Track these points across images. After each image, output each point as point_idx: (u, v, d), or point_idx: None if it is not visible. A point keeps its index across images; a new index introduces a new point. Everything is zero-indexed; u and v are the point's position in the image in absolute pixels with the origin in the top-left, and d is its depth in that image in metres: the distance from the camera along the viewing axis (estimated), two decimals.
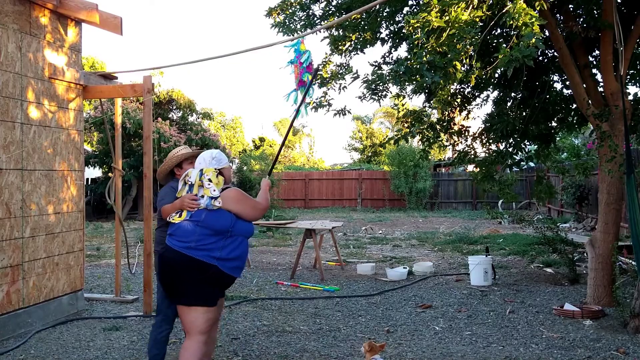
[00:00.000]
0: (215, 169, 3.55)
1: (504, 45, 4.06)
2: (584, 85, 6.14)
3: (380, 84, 5.26)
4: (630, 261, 7.26)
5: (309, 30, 6.29)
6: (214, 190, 3.46)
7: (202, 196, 3.45)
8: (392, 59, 7.03)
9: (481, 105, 7.91)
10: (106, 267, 9.11)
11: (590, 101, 6.06)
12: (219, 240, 3.43)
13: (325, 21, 6.37)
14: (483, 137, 7.71)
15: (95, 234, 14.14)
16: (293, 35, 6.32)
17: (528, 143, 7.85)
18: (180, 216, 3.49)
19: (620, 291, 5.75)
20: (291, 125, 3.91)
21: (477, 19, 4.16)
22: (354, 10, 6.05)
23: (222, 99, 64.82)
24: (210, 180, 3.48)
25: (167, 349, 4.14)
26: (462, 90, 7.62)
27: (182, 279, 3.44)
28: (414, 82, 4.50)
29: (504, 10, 4.08)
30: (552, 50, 6.87)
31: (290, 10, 6.38)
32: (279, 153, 4.03)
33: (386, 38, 6.89)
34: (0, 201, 5.03)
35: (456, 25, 4.03)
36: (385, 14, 6.26)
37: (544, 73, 7.18)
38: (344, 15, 5.62)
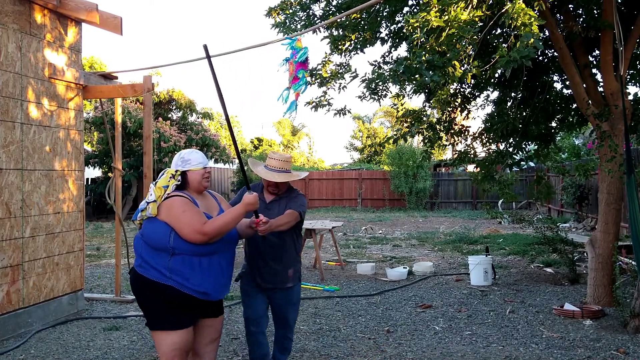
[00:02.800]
0: (176, 171, 3.02)
1: (504, 45, 4.06)
2: (584, 85, 6.14)
3: (380, 84, 5.26)
4: (630, 261, 7.25)
5: (307, 29, 6.28)
6: (151, 195, 2.97)
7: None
8: (391, 59, 7.03)
9: (483, 107, 7.91)
10: (106, 267, 9.12)
11: (590, 101, 6.06)
12: (163, 257, 2.89)
13: (326, 21, 6.36)
14: (483, 137, 7.71)
15: (95, 234, 14.14)
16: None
17: (528, 143, 7.85)
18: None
19: (620, 291, 5.75)
20: (227, 118, 3.14)
21: (477, 19, 4.16)
22: (354, 10, 6.05)
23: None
24: (155, 183, 3.02)
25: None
26: (462, 90, 7.62)
27: (139, 301, 3.05)
28: (414, 82, 4.50)
29: (502, 10, 4.08)
30: (552, 50, 6.87)
31: (290, 11, 6.37)
32: (239, 157, 3.28)
33: (386, 38, 6.89)
34: (0, 201, 5.03)
35: (455, 24, 4.03)
36: (385, 13, 6.26)
37: (544, 73, 7.18)
38: (343, 13, 5.61)
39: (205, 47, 2.86)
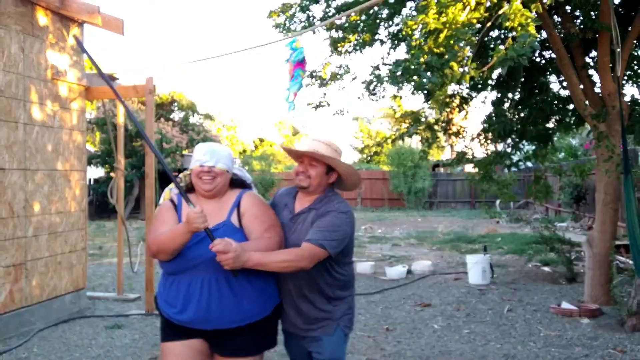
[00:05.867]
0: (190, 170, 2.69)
1: (501, 47, 4.10)
2: (582, 86, 6.19)
3: (378, 85, 5.31)
4: (627, 260, 7.30)
5: (306, 29, 6.32)
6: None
7: None
8: (390, 61, 7.07)
9: (480, 107, 7.95)
10: (108, 265, 9.16)
11: (587, 102, 6.11)
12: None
13: (325, 21, 6.41)
14: (481, 137, 7.75)
15: (98, 233, 14.18)
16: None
17: (526, 143, 7.90)
18: None
19: (617, 290, 5.79)
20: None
21: (474, 21, 4.20)
22: (353, 12, 6.09)
23: (223, 101, 64.74)
24: None
25: None
26: (460, 91, 7.66)
27: None
28: (412, 83, 4.54)
29: (500, 12, 4.13)
30: (550, 51, 6.92)
31: (290, 12, 6.42)
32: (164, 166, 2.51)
33: (385, 40, 6.94)
34: (3, 201, 5.07)
35: (453, 26, 4.07)
36: (384, 15, 6.30)
37: (541, 74, 7.22)
38: (343, 13, 5.65)
39: (75, 37, 2.68)
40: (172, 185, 2.72)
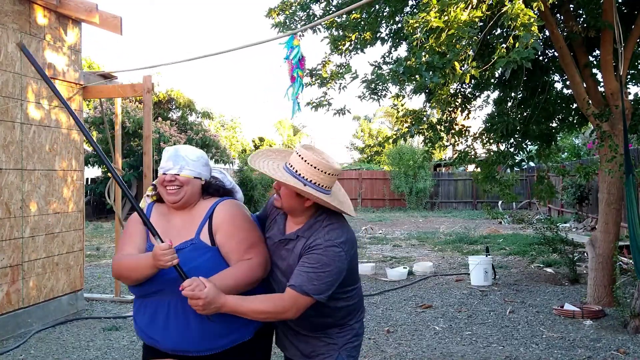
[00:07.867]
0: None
1: (503, 46, 4.05)
2: (584, 85, 6.14)
3: (380, 84, 5.26)
4: (630, 261, 7.25)
5: (304, 26, 6.26)
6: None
7: None
8: (392, 59, 7.02)
9: (482, 107, 7.89)
10: (106, 267, 9.11)
11: (590, 101, 6.06)
12: None
13: (326, 21, 6.36)
14: (484, 137, 7.70)
15: (95, 234, 14.14)
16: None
17: (529, 143, 7.84)
18: None
19: (620, 291, 5.74)
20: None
21: (476, 19, 4.15)
22: (354, 10, 6.04)
23: (222, 101, 64.89)
24: None
25: None
26: (462, 90, 7.61)
27: None
28: (413, 82, 4.49)
29: (502, 11, 4.07)
30: (553, 50, 6.87)
31: (290, 11, 6.37)
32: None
33: (386, 38, 6.89)
34: (0, 201, 5.03)
35: (455, 25, 4.02)
36: (385, 13, 6.25)
37: (544, 73, 7.17)
38: (342, 10, 5.59)
39: (18, 44, 2.44)
40: (149, 191, 2.40)
